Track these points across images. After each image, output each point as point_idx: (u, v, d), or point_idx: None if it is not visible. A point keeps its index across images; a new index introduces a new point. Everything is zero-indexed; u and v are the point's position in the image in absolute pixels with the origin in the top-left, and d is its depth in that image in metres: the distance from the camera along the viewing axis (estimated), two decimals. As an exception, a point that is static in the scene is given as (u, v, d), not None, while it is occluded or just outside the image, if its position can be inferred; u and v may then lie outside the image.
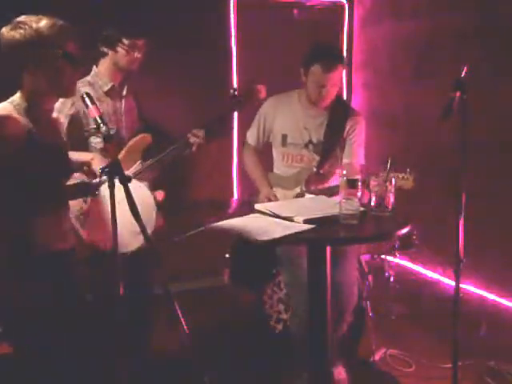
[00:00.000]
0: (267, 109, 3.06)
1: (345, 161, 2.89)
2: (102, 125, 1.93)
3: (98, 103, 2.50)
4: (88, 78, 2.79)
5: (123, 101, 2.84)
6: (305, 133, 2.95)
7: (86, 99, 2.01)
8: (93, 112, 1.98)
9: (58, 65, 1.95)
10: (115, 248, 1.84)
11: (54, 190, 2.07)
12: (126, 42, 2.70)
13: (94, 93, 2.72)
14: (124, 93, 2.85)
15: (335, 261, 2.72)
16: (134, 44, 2.71)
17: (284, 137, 2.98)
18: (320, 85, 2.83)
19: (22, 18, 1.94)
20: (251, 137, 3.13)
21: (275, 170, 3.10)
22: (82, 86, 2.74)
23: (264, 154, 3.16)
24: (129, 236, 2.28)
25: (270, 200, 2.88)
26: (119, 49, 2.71)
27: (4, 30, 1.95)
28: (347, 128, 2.92)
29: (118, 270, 1.82)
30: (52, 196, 2.05)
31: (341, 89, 4.94)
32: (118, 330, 1.86)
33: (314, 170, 2.92)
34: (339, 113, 2.95)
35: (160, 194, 2.75)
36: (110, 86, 2.79)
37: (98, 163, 2.57)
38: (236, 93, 2.93)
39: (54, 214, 2.07)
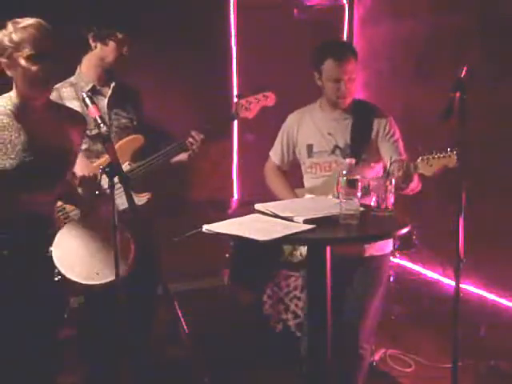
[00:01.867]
0: (289, 124, 2.93)
1: (393, 158, 2.61)
2: (102, 125, 1.93)
3: (78, 103, 2.50)
4: (71, 78, 2.76)
5: (106, 100, 2.78)
6: (330, 138, 2.79)
7: (86, 99, 2.01)
8: (92, 112, 1.98)
9: (23, 65, 1.98)
10: (116, 248, 1.84)
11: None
12: (119, 35, 2.67)
13: (75, 93, 2.70)
14: (109, 92, 2.79)
15: (360, 282, 2.67)
16: (126, 38, 2.68)
17: (309, 147, 2.83)
18: (336, 79, 2.70)
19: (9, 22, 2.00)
20: (275, 155, 2.98)
21: (305, 185, 2.92)
22: (64, 87, 2.72)
23: (289, 174, 3.00)
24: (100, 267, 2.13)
25: None
26: (111, 42, 2.68)
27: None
28: (375, 128, 2.76)
29: (117, 270, 1.82)
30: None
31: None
32: (118, 330, 1.86)
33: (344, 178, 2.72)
34: (363, 113, 2.81)
35: (146, 196, 2.73)
36: (90, 86, 2.74)
37: (79, 169, 2.54)
38: (239, 99, 2.88)
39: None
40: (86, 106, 2.01)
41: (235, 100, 2.96)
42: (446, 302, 3.58)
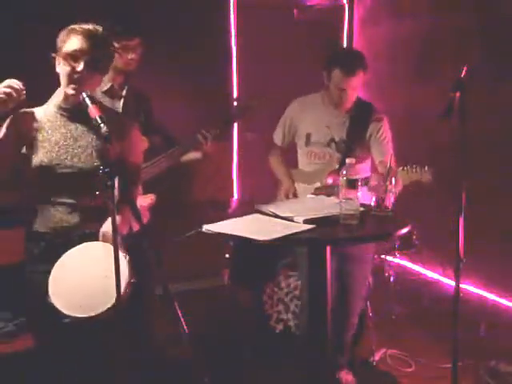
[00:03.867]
0: (293, 110, 3.15)
1: (379, 159, 2.97)
2: (102, 125, 1.92)
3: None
4: None
5: (122, 101, 2.83)
6: (327, 131, 3.02)
7: (86, 99, 2.00)
8: (92, 112, 1.98)
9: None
10: (116, 243, 1.84)
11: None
12: (116, 45, 2.68)
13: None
14: (124, 93, 2.84)
15: (348, 261, 2.79)
16: (126, 46, 2.69)
17: (308, 136, 3.06)
18: (340, 88, 2.91)
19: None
20: (277, 137, 3.22)
21: (299, 167, 3.19)
22: None
23: (289, 152, 3.27)
24: (96, 298, 1.99)
25: (287, 195, 3.02)
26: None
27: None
28: (370, 129, 3.00)
29: (117, 270, 1.82)
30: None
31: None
32: (118, 331, 1.86)
33: (336, 166, 2.97)
34: (362, 113, 3.03)
35: (150, 198, 2.74)
36: (108, 86, 2.78)
37: None
38: (237, 103, 3.03)
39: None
40: (86, 106, 2.01)
41: (234, 103, 3.19)
42: (445, 301, 3.59)
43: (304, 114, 3.10)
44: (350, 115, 3.02)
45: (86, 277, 1.98)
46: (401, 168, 2.69)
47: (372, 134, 3.00)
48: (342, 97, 2.94)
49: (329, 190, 2.89)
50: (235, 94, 4.62)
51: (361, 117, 3.02)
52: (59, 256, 2.00)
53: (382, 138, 3.00)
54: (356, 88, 2.94)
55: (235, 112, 3.10)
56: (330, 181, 2.98)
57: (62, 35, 2.07)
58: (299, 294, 3.13)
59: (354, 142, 2.99)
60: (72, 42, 2.04)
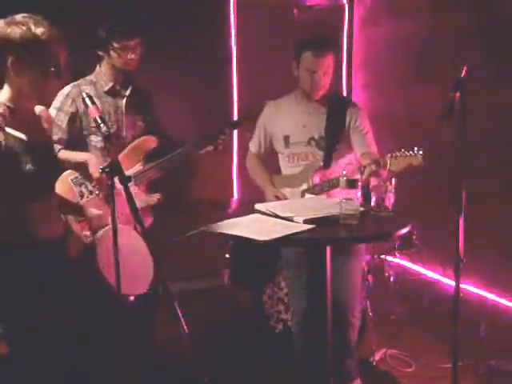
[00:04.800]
0: (266, 115, 3.06)
1: (361, 150, 2.87)
2: (102, 125, 1.92)
3: (98, 101, 2.51)
4: (91, 76, 2.79)
5: (124, 100, 2.83)
6: (305, 130, 2.94)
7: (86, 99, 2.01)
8: (93, 112, 1.98)
9: (46, 75, 1.95)
10: (115, 246, 1.84)
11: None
12: (116, 45, 2.68)
13: (95, 91, 2.72)
14: (127, 93, 2.84)
15: (338, 262, 2.69)
16: (126, 46, 2.68)
17: (286, 138, 2.97)
18: (311, 70, 2.84)
19: (20, 17, 1.92)
20: (253, 144, 3.14)
21: (283, 173, 3.07)
22: (84, 85, 2.75)
23: (267, 161, 3.15)
24: (134, 280, 2.16)
25: (278, 198, 2.91)
26: (111, 52, 2.70)
27: (1, 23, 1.92)
28: (347, 119, 2.91)
29: (117, 270, 1.82)
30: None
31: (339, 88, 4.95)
32: (119, 330, 1.86)
33: (321, 164, 2.90)
34: (337, 106, 2.96)
35: (156, 197, 2.75)
36: (110, 85, 2.78)
37: (94, 164, 2.56)
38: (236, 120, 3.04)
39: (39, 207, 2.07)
40: (86, 106, 2.01)
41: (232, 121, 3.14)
42: (445, 301, 3.59)
43: (278, 117, 3.01)
44: (326, 110, 2.94)
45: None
46: (389, 155, 2.57)
47: (350, 123, 2.91)
48: (314, 80, 2.85)
49: (317, 189, 2.85)
50: (235, 94, 4.62)
51: (336, 110, 2.94)
52: None
53: (361, 127, 2.91)
54: (327, 72, 2.86)
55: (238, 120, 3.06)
56: (317, 179, 2.91)
57: None
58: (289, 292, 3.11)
59: (333, 138, 2.91)
60: None
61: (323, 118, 2.93)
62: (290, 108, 3.00)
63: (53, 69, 1.94)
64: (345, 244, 2.75)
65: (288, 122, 2.98)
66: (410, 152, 2.54)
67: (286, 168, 3.02)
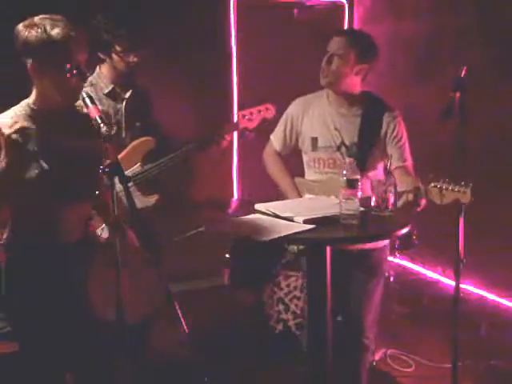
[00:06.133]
0: (294, 110, 2.83)
1: (397, 164, 2.61)
2: (101, 125, 1.92)
3: (98, 103, 2.50)
4: (91, 78, 2.78)
5: (124, 103, 2.82)
6: (336, 134, 2.69)
7: (86, 99, 2.01)
8: (92, 112, 1.98)
9: (66, 75, 1.97)
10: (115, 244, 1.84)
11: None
12: (119, 48, 2.67)
13: (95, 94, 2.71)
14: (127, 95, 2.83)
15: (361, 280, 2.68)
16: (128, 49, 2.68)
17: (314, 140, 2.73)
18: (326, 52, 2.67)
19: (37, 19, 1.96)
20: (276, 140, 2.88)
21: (306, 177, 2.82)
22: (84, 87, 2.75)
23: (290, 159, 2.93)
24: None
25: None
26: (113, 55, 2.70)
27: (20, 27, 1.97)
28: (384, 127, 2.65)
29: (117, 270, 1.82)
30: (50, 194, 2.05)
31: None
32: (118, 330, 1.86)
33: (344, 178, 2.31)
34: (373, 109, 2.70)
35: (154, 198, 2.75)
36: (110, 88, 2.77)
37: None
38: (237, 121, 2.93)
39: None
40: (86, 106, 2.01)
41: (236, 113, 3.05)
42: (445, 301, 3.58)
43: (307, 115, 2.77)
44: (361, 113, 2.68)
45: None
46: (432, 185, 2.26)
47: (387, 132, 2.65)
48: (322, 63, 2.65)
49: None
50: (235, 94, 4.62)
51: (372, 115, 2.67)
52: None
53: (398, 138, 2.66)
54: (337, 55, 2.62)
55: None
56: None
57: None
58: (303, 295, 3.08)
59: (366, 145, 2.64)
60: None
61: (357, 121, 2.68)
62: (320, 107, 2.75)
63: (74, 70, 1.96)
64: (371, 263, 2.70)
65: (317, 122, 2.74)
66: (457, 187, 2.20)
67: (311, 173, 2.78)
